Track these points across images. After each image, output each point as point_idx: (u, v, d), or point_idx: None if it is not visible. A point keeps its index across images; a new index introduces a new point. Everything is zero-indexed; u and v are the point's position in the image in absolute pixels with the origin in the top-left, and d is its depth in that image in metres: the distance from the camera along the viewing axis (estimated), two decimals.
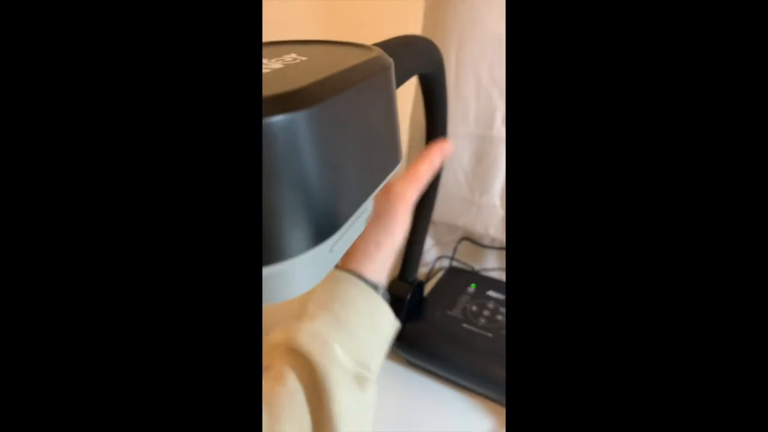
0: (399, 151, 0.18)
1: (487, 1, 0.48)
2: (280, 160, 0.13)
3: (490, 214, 0.59)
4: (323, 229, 0.13)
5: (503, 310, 0.52)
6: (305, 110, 0.12)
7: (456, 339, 0.48)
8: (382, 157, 0.16)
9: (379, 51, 0.17)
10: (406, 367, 0.52)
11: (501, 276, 0.63)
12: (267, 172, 0.13)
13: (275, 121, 0.12)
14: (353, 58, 0.15)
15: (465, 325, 0.50)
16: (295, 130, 0.12)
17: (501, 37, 0.49)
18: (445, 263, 0.65)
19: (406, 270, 0.51)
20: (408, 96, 0.60)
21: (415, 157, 0.62)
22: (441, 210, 0.62)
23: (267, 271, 0.14)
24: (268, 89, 0.13)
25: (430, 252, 0.69)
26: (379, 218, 0.32)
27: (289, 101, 0.13)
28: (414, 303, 0.52)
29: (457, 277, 0.59)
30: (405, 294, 0.51)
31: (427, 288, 0.58)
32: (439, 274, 0.62)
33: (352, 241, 0.17)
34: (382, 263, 0.33)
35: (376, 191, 0.16)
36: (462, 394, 0.49)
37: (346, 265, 0.31)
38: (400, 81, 0.23)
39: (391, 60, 0.17)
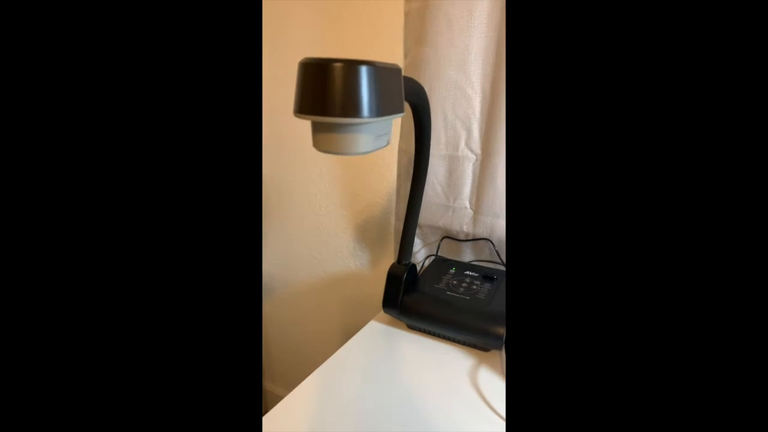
0: (403, 106, 0.31)
1: (447, 60, 0.64)
2: (360, 79, 0.26)
3: (463, 215, 0.73)
4: (374, 111, 0.27)
5: (477, 282, 0.65)
6: (372, 66, 0.27)
7: (442, 302, 0.61)
8: (395, 101, 0.30)
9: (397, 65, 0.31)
10: (406, 330, 0.64)
11: (477, 263, 0.75)
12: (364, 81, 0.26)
13: (363, 67, 0.26)
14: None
15: (449, 293, 0.62)
16: (365, 72, 0.26)
17: (458, 84, 0.65)
18: (433, 259, 0.78)
19: (401, 255, 0.64)
20: (395, 130, 0.75)
21: (403, 178, 0.77)
22: (425, 215, 0.75)
23: (346, 121, 0.26)
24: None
25: (420, 252, 0.82)
26: None
27: (365, 63, 0.27)
28: (410, 281, 0.65)
29: (441, 263, 0.72)
30: (402, 274, 0.63)
31: (420, 273, 0.71)
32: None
33: (385, 142, 0.30)
34: None
35: (392, 117, 0.29)
36: (449, 345, 0.60)
37: None
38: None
39: (400, 67, 0.32)
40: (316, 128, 0.28)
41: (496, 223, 0.70)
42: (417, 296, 0.62)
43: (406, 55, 0.69)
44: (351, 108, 0.25)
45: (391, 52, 0.72)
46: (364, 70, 0.25)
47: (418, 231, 0.79)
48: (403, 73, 0.71)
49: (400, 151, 0.75)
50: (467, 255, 0.77)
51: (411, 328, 0.64)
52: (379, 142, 0.30)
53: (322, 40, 0.80)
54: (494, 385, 0.52)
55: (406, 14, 0.67)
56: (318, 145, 0.28)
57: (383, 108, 0.27)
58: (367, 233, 0.91)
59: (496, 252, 0.72)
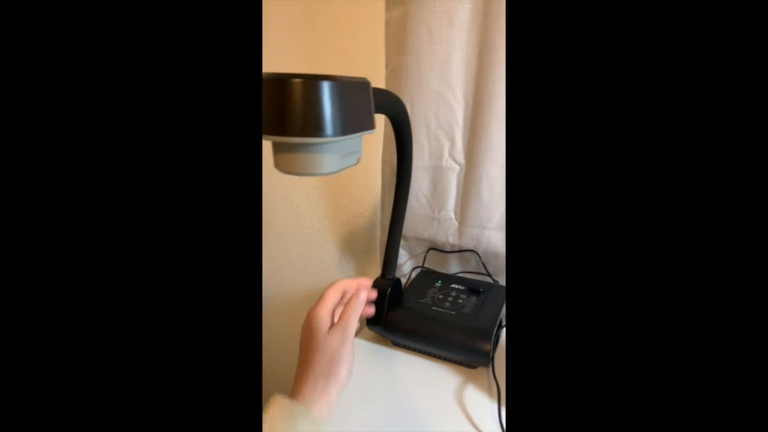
0: (373, 122, 0.29)
1: (429, 69, 0.62)
2: (322, 96, 0.24)
3: (448, 226, 0.71)
4: (338, 129, 0.24)
5: (463, 296, 0.63)
6: (334, 81, 0.24)
7: (427, 318, 0.58)
8: (363, 117, 0.28)
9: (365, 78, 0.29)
10: (390, 348, 0.62)
11: (462, 275, 0.73)
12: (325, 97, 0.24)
13: (325, 82, 0.24)
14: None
15: (434, 308, 0.60)
16: (327, 88, 0.24)
17: (441, 93, 0.63)
18: (419, 271, 0.76)
19: (385, 269, 0.61)
20: (378, 141, 0.73)
21: (387, 189, 0.75)
22: (410, 226, 0.73)
23: (307, 141, 0.24)
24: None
25: (406, 264, 0.80)
26: (330, 363, 0.37)
27: (326, 78, 0.24)
28: (394, 295, 0.62)
29: (427, 276, 0.69)
30: (386, 288, 0.61)
31: (405, 286, 0.68)
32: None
33: (354, 160, 0.28)
34: (331, 400, 0.36)
35: (360, 134, 0.27)
36: (435, 362, 0.58)
37: (306, 402, 0.35)
38: (376, 107, 0.32)
39: (368, 81, 0.29)
40: (277, 148, 0.26)
41: (481, 234, 0.68)
42: (402, 312, 0.60)
43: (387, 65, 0.67)
44: (312, 127, 0.23)
45: (372, 62, 0.70)
46: (325, 86, 0.23)
47: (403, 243, 0.77)
48: (384, 83, 0.69)
49: (384, 162, 0.73)
50: (453, 266, 0.75)
51: (395, 344, 0.61)
52: (347, 161, 0.27)
53: (301, 51, 0.78)
54: (481, 405, 0.50)
55: (387, 23, 0.65)
56: (279, 166, 0.26)
57: (349, 125, 0.25)
58: (352, 245, 0.89)
59: (482, 263, 0.70)
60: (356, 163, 0.29)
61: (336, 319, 0.39)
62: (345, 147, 0.26)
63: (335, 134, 0.24)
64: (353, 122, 0.26)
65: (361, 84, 0.28)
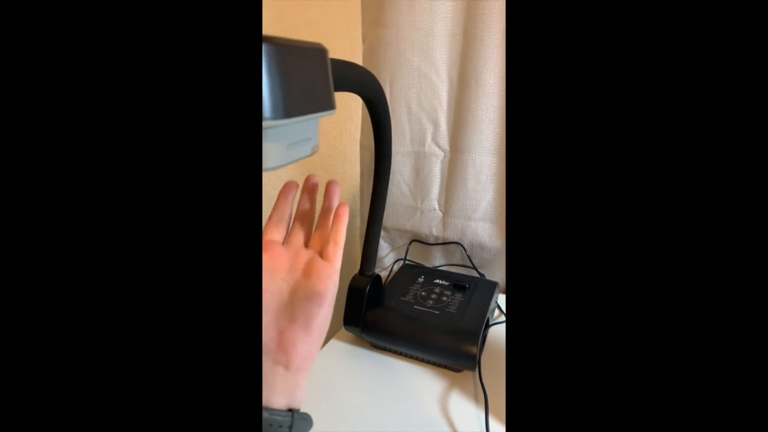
0: (331, 101, 0.23)
1: (409, 44, 0.56)
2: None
3: (432, 217, 0.65)
4: (280, 109, 0.18)
5: (447, 292, 0.58)
6: (274, 45, 0.18)
7: (409, 318, 0.53)
8: (317, 94, 0.22)
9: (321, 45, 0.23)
10: (370, 350, 0.57)
11: (447, 268, 0.68)
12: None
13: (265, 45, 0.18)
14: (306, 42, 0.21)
15: (416, 307, 0.55)
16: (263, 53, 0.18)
17: (423, 71, 0.56)
18: (401, 264, 0.71)
19: (364, 266, 0.56)
20: (356, 125, 0.67)
21: (366, 177, 0.69)
22: (392, 217, 0.68)
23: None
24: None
25: (388, 257, 0.75)
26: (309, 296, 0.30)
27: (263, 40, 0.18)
28: (374, 294, 0.57)
29: (409, 270, 0.64)
30: (365, 287, 0.55)
31: (386, 282, 0.63)
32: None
33: (307, 151, 0.22)
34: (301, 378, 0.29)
35: (314, 117, 0.21)
36: (418, 366, 0.53)
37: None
38: (339, 83, 0.26)
39: (324, 48, 0.23)
40: None
41: (467, 225, 0.63)
42: (382, 311, 0.55)
43: (364, 39, 0.60)
44: None
45: (349, 36, 0.63)
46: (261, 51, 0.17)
47: (384, 234, 0.71)
48: (361, 59, 0.63)
49: (362, 147, 0.67)
50: (437, 258, 0.70)
51: (375, 347, 0.56)
52: (297, 152, 0.21)
53: (270, 23, 0.70)
54: (466, 412, 0.46)
55: None
56: None
57: (295, 104, 0.19)
58: None
59: (468, 256, 0.65)
60: (310, 154, 0.23)
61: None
62: (292, 134, 0.20)
63: (276, 116, 0.18)
64: (302, 100, 0.19)
65: (314, 51, 0.21)
